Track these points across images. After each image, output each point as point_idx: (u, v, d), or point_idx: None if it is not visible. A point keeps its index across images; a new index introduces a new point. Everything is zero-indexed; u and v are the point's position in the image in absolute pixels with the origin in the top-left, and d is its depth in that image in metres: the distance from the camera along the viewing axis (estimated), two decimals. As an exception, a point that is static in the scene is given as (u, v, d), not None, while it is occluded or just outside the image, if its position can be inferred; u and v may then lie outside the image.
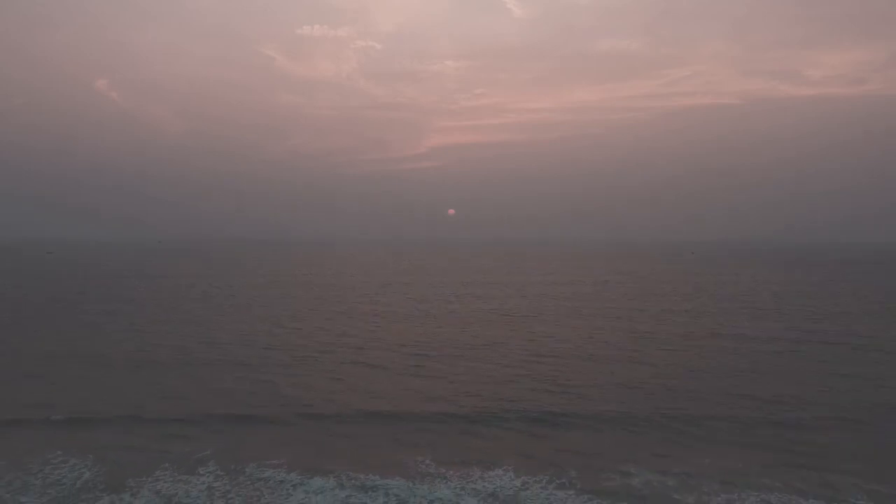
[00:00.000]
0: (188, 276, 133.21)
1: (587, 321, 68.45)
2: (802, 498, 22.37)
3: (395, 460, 25.76)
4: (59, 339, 54.09)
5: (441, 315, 73.12)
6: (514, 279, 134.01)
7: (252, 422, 31.63)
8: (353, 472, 24.07)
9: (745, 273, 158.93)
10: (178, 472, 24.20)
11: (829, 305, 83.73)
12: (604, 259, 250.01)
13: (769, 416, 32.50)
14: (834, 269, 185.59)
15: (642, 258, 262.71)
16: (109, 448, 26.95)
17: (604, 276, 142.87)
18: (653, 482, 23.43)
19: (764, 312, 75.89)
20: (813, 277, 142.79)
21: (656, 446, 28.02)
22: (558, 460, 25.88)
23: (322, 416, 32.63)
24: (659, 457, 26.46)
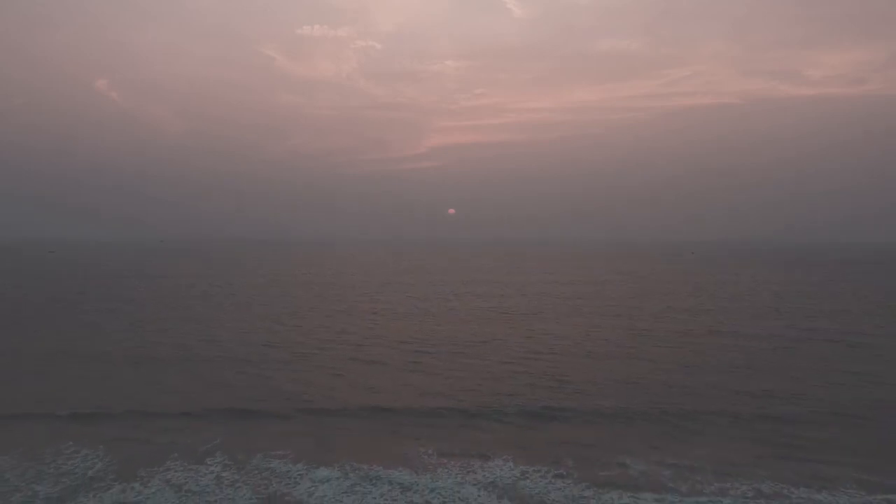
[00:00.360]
0: (188, 276, 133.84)
1: (586, 319, 69.08)
2: (794, 487, 23.00)
3: (396, 452, 26.38)
4: (59, 338, 54.58)
5: (440, 313, 73.77)
6: (514, 278, 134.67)
7: (255, 416, 32.26)
8: (357, 463, 24.72)
9: (744, 273, 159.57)
10: (187, 462, 24.86)
11: (828, 304, 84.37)
12: (604, 259, 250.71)
13: (764, 412, 33.12)
14: (834, 269, 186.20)
15: (642, 258, 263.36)
16: (117, 440, 27.60)
17: (603, 276, 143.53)
18: (648, 472, 24.09)
19: (763, 311, 76.53)
20: (812, 277, 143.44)
21: (652, 439, 28.65)
22: (556, 452, 26.52)
23: (323, 411, 33.26)
24: (655, 449, 27.09)
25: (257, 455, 25.69)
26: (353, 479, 23.01)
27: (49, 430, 28.97)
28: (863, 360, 47.26)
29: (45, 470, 24.01)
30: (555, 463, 25.12)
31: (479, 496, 21.69)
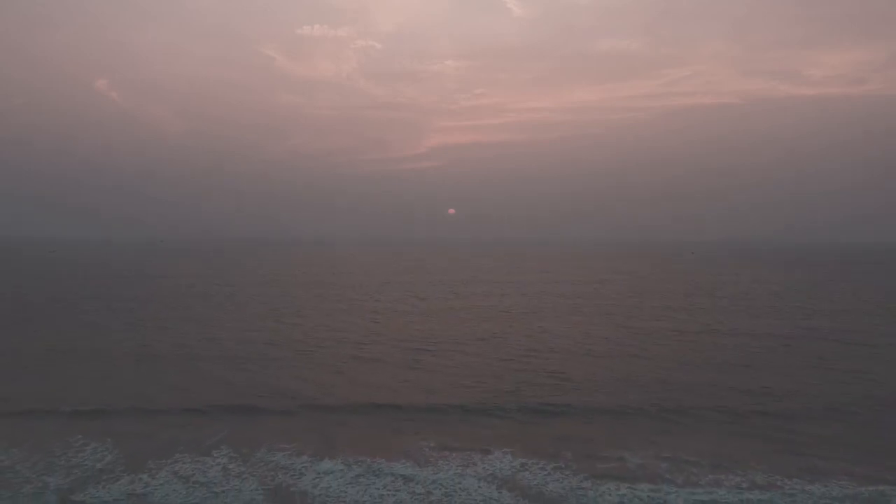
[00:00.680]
0: (189, 276, 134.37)
1: (585, 318, 69.63)
2: (787, 478, 23.55)
3: (398, 446, 26.90)
4: (59, 337, 54.78)
5: (440, 312, 74.31)
6: (514, 278, 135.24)
7: (257, 413, 32.78)
8: (360, 456, 25.25)
9: (744, 273, 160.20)
10: (194, 455, 25.39)
11: (826, 304, 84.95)
12: (603, 259, 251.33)
13: (760, 408, 33.66)
14: (833, 268, 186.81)
15: (642, 258, 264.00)
16: (124, 435, 28.11)
17: (603, 276, 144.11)
18: (645, 465, 24.64)
19: (761, 310, 77.09)
20: (811, 277, 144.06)
21: (649, 435, 29.18)
22: (555, 446, 27.05)
23: (325, 407, 33.77)
24: (652, 443, 27.63)
25: (261, 448, 26.23)
26: (357, 471, 23.55)
27: (55, 426, 29.47)
28: (859, 358, 47.81)
29: (56, 462, 24.55)
30: (553, 456, 25.65)
31: (479, 487, 22.23)
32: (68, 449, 25.94)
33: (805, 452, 26.85)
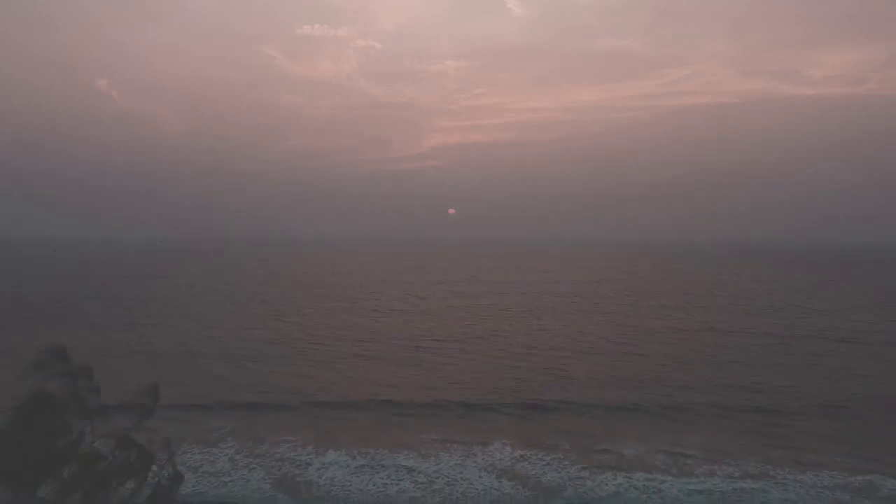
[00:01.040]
0: (189, 276, 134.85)
1: (584, 317, 70.24)
2: (779, 468, 24.23)
3: (400, 440, 27.52)
4: (60, 336, 55.31)
5: (440, 310, 74.88)
6: (514, 277, 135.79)
7: (260, 408, 33.37)
8: (364, 448, 25.89)
9: (743, 272, 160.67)
10: (202, 446, 26.01)
11: (823, 303, 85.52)
12: (603, 258, 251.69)
13: (754, 404, 34.31)
14: (832, 268, 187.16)
15: (642, 257, 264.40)
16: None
17: (602, 275, 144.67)
18: (641, 457, 25.29)
19: (758, 309, 77.68)
20: (810, 277, 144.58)
21: (646, 429, 29.80)
22: (553, 439, 27.67)
23: (326, 403, 34.34)
24: (648, 437, 28.26)
25: (267, 441, 26.85)
26: (361, 462, 24.19)
27: (65, 419, 30.01)
28: (853, 355, 48.43)
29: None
30: (551, 448, 26.28)
31: (480, 476, 22.88)
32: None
33: (798, 446, 27.49)
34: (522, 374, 40.92)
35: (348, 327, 61.20)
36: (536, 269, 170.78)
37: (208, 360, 45.19)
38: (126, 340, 53.47)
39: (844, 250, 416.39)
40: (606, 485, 22.42)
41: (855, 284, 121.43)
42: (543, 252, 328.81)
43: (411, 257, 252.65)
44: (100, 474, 5.64)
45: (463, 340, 54.10)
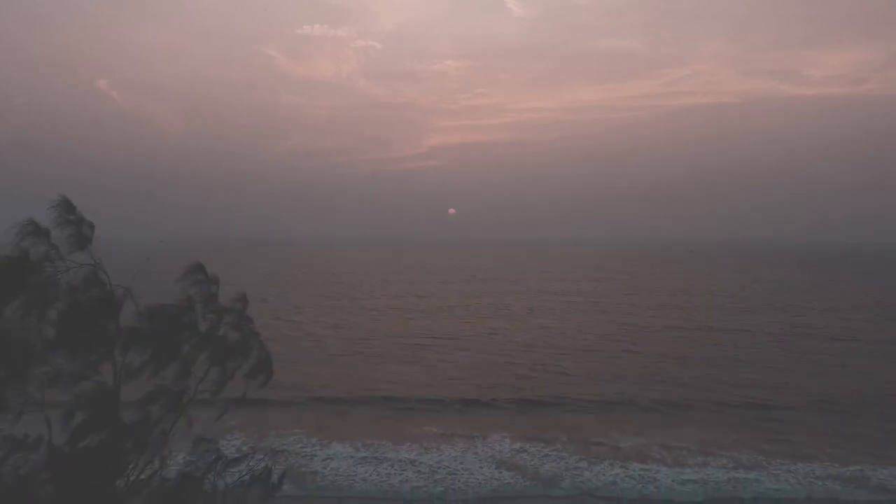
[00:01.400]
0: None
1: (583, 315, 70.93)
2: (772, 459, 24.94)
3: (401, 433, 28.19)
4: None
5: (440, 309, 75.57)
6: (513, 276, 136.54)
7: (263, 405, 33.83)
8: (366, 441, 26.57)
9: (742, 271, 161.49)
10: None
11: (820, 302, 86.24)
12: (603, 258, 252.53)
13: (747, 400, 35.00)
14: (831, 268, 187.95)
15: (641, 257, 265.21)
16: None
17: (602, 274, 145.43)
18: (637, 448, 26.00)
19: (755, 307, 78.41)
20: (808, 276, 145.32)
21: (642, 424, 30.50)
22: (551, 432, 28.37)
23: (327, 399, 34.96)
24: (643, 431, 28.95)
25: (272, 434, 27.52)
26: (364, 454, 24.87)
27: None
28: (847, 353, 49.12)
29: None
30: (550, 442, 26.97)
31: (480, 467, 23.58)
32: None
33: (790, 439, 28.17)
34: (521, 371, 41.58)
35: (348, 326, 61.83)
36: (536, 269, 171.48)
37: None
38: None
39: (845, 250, 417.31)
40: (603, 475, 23.11)
41: (851, 284, 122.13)
42: (543, 252, 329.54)
43: (411, 257, 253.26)
44: (219, 353, 6.66)
45: (462, 338, 54.77)
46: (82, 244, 6.02)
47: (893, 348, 50.98)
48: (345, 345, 51.49)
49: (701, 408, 33.47)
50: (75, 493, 5.84)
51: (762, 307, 79.39)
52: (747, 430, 29.90)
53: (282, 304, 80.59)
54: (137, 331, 6.21)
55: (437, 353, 48.24)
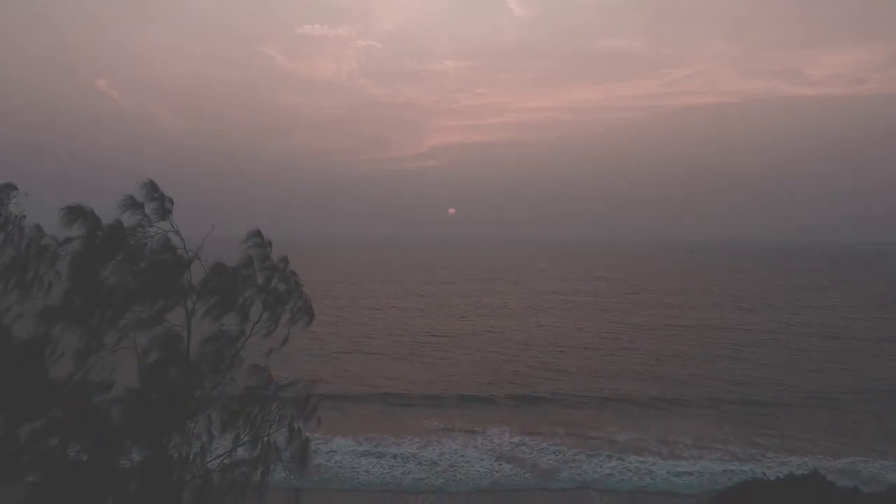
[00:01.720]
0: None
1: (581, 313, 71.47)
2: (766, 451, 25.54)
3: (402, 427, 28.73)
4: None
5: (439, 308, 76.08)
6: (513, 276, 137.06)
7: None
8: (368, 435, 27.12)
9: (741, 271, 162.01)
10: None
11: (816, 300, 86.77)
12: (603, 257, 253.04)
13: (742, 396, 35.58)
14: (830, 268, 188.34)
15: (641, 257, 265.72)
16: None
17: (601, 273, 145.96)
18: (634, 441, 26.58)
19: (753, 306, 78.96)
20: (807, 276, 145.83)
21: (638, 418, 31.06)
22: (549, 427, 28.91)
23: (328, 395, 35.05)
24: (640, 425, 29.51)
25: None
26: (367, 447, 25.41)
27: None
28: (841, 350, 49.67)
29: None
30: (548, 436, 27.52)
31: (480, 460, 24.13)
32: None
33: (784, 434, 28.73)
34: (520, 368, 42.11)
35: (348, 324, 62.31)
36: (536, 268, 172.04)
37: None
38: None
39: (845, 250, 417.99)
40: (601, 467, 23.67)
41: (854, 284, 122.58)
42: (543, 251, 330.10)
43: (411, 256, 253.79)
44: (271, 300, 7.78)
45: (461, 336, 55.29)
46: (164, 215, 7.58)
47: (888, 346, 51.58)
48: (345, 343, 51.95)
49: (697, 404, 34.02)
50: (150, 420, 7.06)
51: (760, 306, 79.95)
52: (742, 424, 30.44)
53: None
54: (206, 283, 7.72)
55: (436, 350, 48.76)
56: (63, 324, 6.83)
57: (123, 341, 7.19)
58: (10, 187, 7.58)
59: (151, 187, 7.70)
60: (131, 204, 7.45)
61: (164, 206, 7.78)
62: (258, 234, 8.45)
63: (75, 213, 7.08)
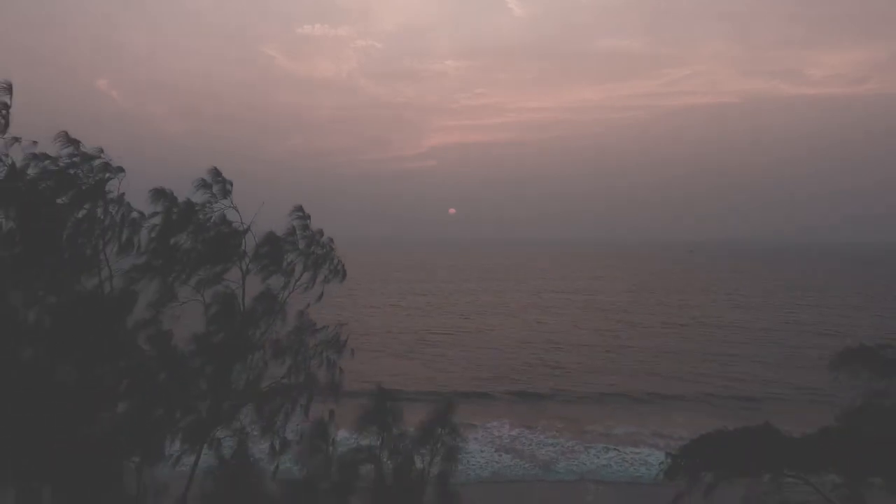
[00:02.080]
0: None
1: (580, 312, 72.07)
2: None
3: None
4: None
5: (439, 307, 76.67)
6: (513, 275, 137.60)
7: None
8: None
9: (740, 271, 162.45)
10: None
11: (814, 299, 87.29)
12: (603, 257, 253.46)
13: (735, 391, 36.29)
14: (829, 267, 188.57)
15: (641, 256, 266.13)
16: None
17: (601, 273, 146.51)
18: (631, 433, 27.26)
19: (750, 305, 79.52)
20: (805, 275, 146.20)
21: (635, 413, 31.72)
22: (548, 421, 29.55)
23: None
24: (636, 419, 30.18)
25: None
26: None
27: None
28: (836, 348, 49.99)
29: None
30: (546, 429, 28.17)
31: (481, 451, 24.76)
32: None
33: (777, 427, 29.30)
34: (519, 366, 42.73)
35: (347, 323, 62.67)
36: (535, 268, 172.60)
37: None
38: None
39: (845, 250, 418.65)
40: (598, 458, 24.31)
41: (853, 283, 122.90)
42: (543, 251, 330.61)
43: (411, 256, 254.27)
44: (311, 262, 10.20)
45: (461, 335, 55.90)
46: (225, 194, 9.15)
47: (884, 344, 52.08)
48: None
49: (691, 399, 34.75)
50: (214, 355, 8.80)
51: (757, 304, 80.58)
52: (734, 418, 30.99)
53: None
54: (258, 249, 9.29)
55: (436, 348, 49.34)
56: (146, 279, 8.62)
57: (193, 295, 8.93)
58: (119, 170, 8.86)
59: (216, 173, 9.20)
60: (202, 185, 9.00)
61: (225, 188, 9.30)
62: (300, 208, 9.85)
63: (159, 193, 8.76)
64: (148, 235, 8.84)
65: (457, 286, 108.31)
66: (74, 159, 8.69)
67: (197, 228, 9.14)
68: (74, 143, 8.73)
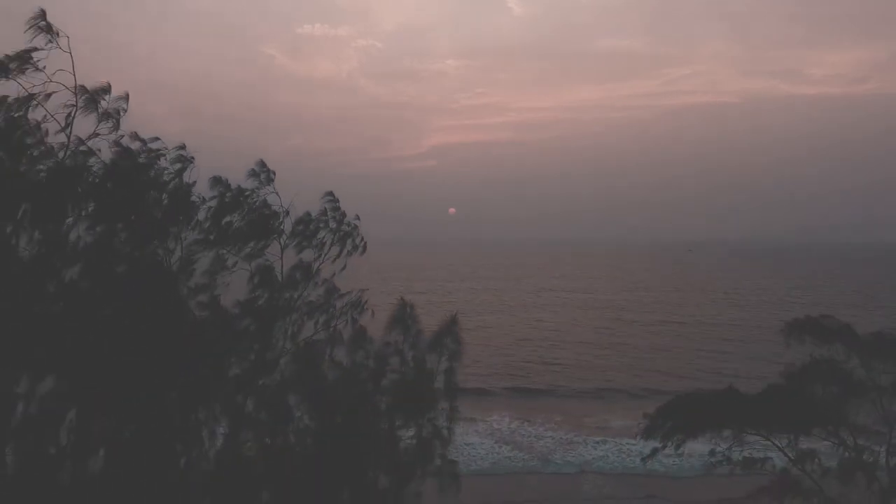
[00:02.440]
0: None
1: (579, 310, 72.78)
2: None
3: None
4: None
5: (439, 305, 77.22)
6: (512, 274, 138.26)
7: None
8: (373, 421, 28.42)
9: (739, 270, 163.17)
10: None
11: (811, 298, 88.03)
12: (602, 256, 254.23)
13: (727, 386, 36.83)
14: (829, 267, 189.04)
15: (640, 256, 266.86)
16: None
17: (600, 272, 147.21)
18: (628, 425, 27.79)
19: (747, 303, 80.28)
20: (804, 275, 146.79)
21: (630, 407, 32.30)
22: (546, 415, 30.29)
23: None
24: (631, 413, 30.71)
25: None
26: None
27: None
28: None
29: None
30: (545, 422, 28.88)
31: (482, 442, 25.46)
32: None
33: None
34: (517, 362, 43.45)
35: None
36: (535, 267, 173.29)
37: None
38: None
39: (845, 250, 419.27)
40: (595, 449, 25.02)
41: (853, 283, 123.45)
42: (543, 251, 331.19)
43: (410, 256, 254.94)
44: (340, 237, 11.55)
45: (461, 332, 56.43)
46: (269, 182, 10.86)
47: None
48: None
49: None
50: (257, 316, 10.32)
51: (754, 303, 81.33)
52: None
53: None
54: (295, 227, 10.92)
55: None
56: (202, 252, 10.32)
57: (240, 265, 10.58)
58: (189, 160, 10.29)
59: (262, 164, 10.92)
60: (252, 174, 10.84)
61: (269, 176, 10.93)
62: (331, 193, 11.46)
63: (216, 180, 10.56)
64: (205, 215, 10.50)
65: (456, 285, 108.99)
66: (156, 152, 10.23)
67: (245, 210, 10.80)
68: (142, 140, 10.12)
